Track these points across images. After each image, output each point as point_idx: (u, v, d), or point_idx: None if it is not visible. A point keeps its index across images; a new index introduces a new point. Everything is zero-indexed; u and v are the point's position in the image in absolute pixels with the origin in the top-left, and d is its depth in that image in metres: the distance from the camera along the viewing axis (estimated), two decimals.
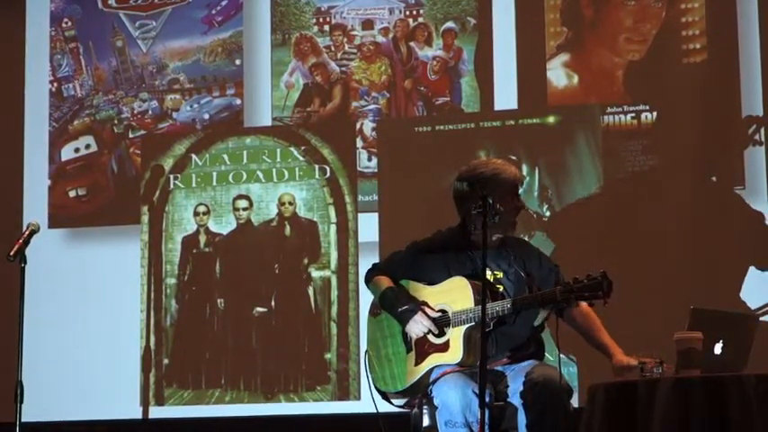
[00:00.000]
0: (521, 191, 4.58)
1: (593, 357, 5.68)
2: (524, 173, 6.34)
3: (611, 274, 4.21)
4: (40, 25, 7.11)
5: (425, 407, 4.43)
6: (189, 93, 7.00)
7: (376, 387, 4.58)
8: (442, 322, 4.44)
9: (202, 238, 6.87)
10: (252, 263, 6.80)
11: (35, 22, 7.12)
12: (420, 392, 4.46)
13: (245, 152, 6.88)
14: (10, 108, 7.05)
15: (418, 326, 4.44)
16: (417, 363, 4.48)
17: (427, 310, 4.46)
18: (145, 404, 6.70)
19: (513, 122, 6.63)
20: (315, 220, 6.78)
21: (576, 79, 6.60)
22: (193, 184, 6.91)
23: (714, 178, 6.32)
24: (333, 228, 6.74)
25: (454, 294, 4.43)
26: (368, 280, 4.66)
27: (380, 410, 4.59)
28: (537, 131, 6.58)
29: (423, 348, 4.47)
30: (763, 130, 6.27)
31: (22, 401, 4.78)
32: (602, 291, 4.15)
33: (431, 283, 4.53)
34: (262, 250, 6.80)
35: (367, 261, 6.40)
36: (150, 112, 7.03)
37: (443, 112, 6.74)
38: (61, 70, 7.09)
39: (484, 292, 4.13)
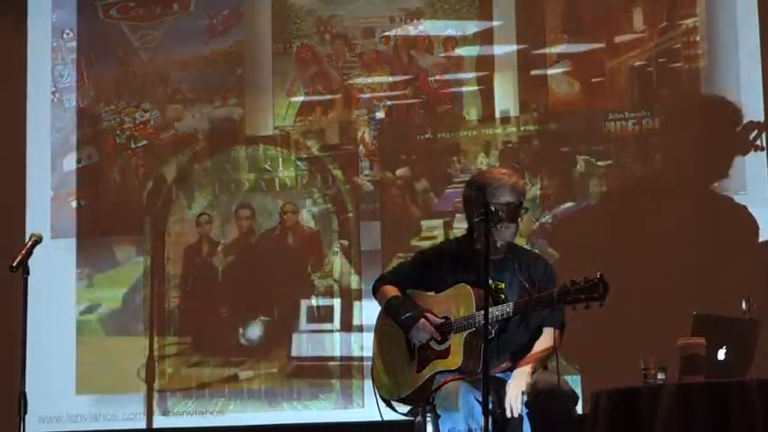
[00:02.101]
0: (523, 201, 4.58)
1: (596, 364, 5.69)
2: (526, 180, 6.33)
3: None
4: (41, 36, 7.12)
5: (429, 415, 4.44)
6: (191, 102, 7.01)
7: (380, 395, 4.60)
8: (445, 329, 4.46)
9: (205, 248, 6.87)
10: (254, 271, 6.80)
11: (36, 32, 7.12)
12: (423, 399, 4.47)
13: (247, 161, 6.88)
14: (12, 118, 7.05)
15: (421, 333, 4.47)
16: (419, 370, 4.51)
17: (430, 316, 4.48)
18: (149, 414, 6.69)
19: (514, 129, 6.63)
20: (317, 228, 6.78)
21: (577, 86, 6.60)
22: (196, 194, 6.92)
23: (716, 183, 6.32)
24: (335, 236, 6.74)
25: (457, 301, 4.46)
26: (375, 290, 4.70)
27: (385, 419, 4.59)
28: (538, 138, 6.58)
29: (425, 355, 4.50)
30: (764, 135, 6.27)
31: (26, 413, 4.77)
32: (597, 293, 4.16)
33: (437, 292, 4.55)
34: (264, 259, 6.80)
35: (368, 269, 6.45)
36: (152, 121, 7.03)
37: (445, 119, 6.74)
38: (63, 81, 7.10)
39: (486, 299, 4.14)
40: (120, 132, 7.04)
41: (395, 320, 4.54)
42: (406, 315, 4.49)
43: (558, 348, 4.44)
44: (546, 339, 4.46)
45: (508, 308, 4.35)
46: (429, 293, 4.58)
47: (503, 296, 4.46)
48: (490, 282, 4.44)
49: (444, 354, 4.44)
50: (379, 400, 4.61)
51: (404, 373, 4.55)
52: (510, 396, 4.30)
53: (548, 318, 4.45)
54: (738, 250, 6.18)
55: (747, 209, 6.24)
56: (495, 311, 4.34)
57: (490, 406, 4.12)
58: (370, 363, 4.71)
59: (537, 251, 4.86)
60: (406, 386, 4.54)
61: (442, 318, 4.48)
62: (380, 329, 4.69)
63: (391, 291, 4.60)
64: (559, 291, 4.25)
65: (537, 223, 6.44)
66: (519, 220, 4.57)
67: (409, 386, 4.53)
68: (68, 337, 6.82)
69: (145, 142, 7.02)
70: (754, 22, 6.32)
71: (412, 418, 4.58)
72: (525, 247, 4.81)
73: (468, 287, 4.42)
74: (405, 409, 4.61)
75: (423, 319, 4.46)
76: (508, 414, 4.28)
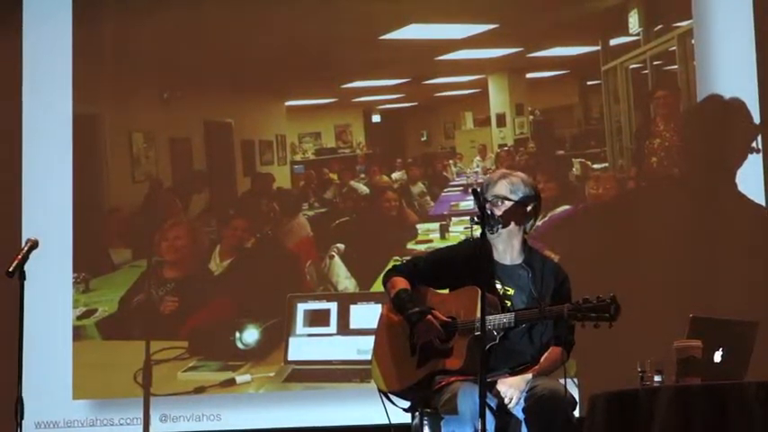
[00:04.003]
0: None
1: (593, 367, 5.70)
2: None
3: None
4: (37, 39, 7.11)
5: (426, 418, 4.43)
6: (187, 105, 7.01)
7: (377, 386, 4.60)
8: (450, 329, 4.46)
9: (201, 252, 6.88)
10: (251, 275, 6.80)
11: (32, 35, 7.11)
12: (420, 396, 4.47)
13: (243, 165, 6.90)
14: (7, 122, 7.05)
15: (425, 330, 4.46)
16: (419, 366, 4.51)
17: (436, 314, 4.47)
18: (145, 419, 6.68)
19: (510, 132, 6.65)
20: (313, 232, 6.79)
21: (572, 89, 6.62)
22: (192, 198, 6.93)
23: (712, 186, 6.33)
24: (331, 239, 6.75)
25: (465, 303, 4.45)
26: (386, 279, 4.67)
27: (389, 422, 4.60)
28: (534, 141, 6.61)
29: (427, 352, 4.50)
30: (759, 138, 6.28)
31: (22, 418, 4.77)
32: (609, 314, 4.16)
33: (450, 290, 4.56)
34: (261, 263, 6.81)
35: (365, 273, 6.46)
36: (148, 125, 7.04)
37: (440, 122, 6.77)
38: (59, 84, 7.08)
39: (483, 304, 4.14)
40: (116, 136, 7.04)
41: (401, 314, 4.54)
42: (413, 310, 4.48)
43: (564, 364, 4.43)
44: (551, 355, 4.46)
45: (513, 317, 4.35)
46: (439, 291, 4.60)
47: (508, 303, 4.47)
48: (498, 287, 4.47)
49: (446, 354, 4.44)
50: (383, 398, 4.60)
51: (403, 366, 4.55)
52: (503, 387, 4.29)
53: (557, 336, 4.45)
54: (736, 251, 6.19)
55: (748, 198, 6.24)
56: (502, 319, 4.34)
57: (494, 407, 4.15)
58: (367, 366, 4.70)
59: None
60: (404, 380, 4.54)
61: (448, 317, 4.48)
62: (385, 321, 4.68)
63: (401, 283, 4.59)
64: (570, 308, 4.24)
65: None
66: (518, 212, 4.54)
67: (407, 380, 4.53)
68: (65, 342, 6.81)
69: (141, 146, 7.02)
70: (749, 24, 6.33)
71: (408, 422, 4.57)
72: (545, 256, 4.76)
73: (478, 290, 4.41)
74: (405, 404, 4.60)
75: (428, 317, 4.46)
76: (506, 401, 4.27)
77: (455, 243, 4.77)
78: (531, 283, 4.48)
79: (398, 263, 4.82)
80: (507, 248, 4.55)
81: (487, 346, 4.22)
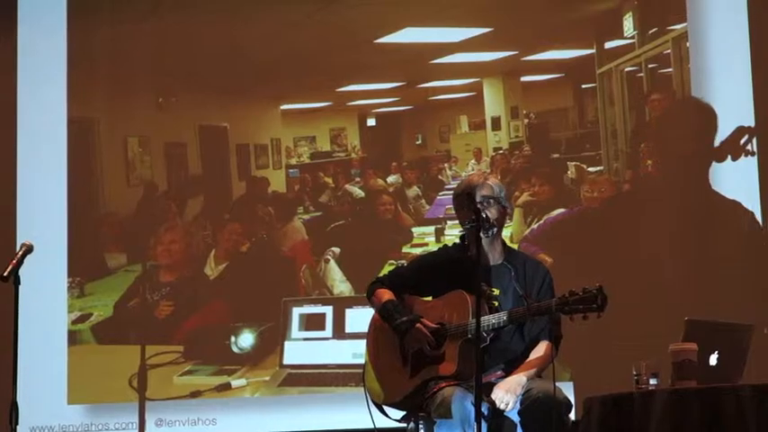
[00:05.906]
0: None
1: (589, 370, 5.70)
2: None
3: (605, 285, 4.22)
4: (31, 42, 7.10)
5: (421, 422, 4.43)
6: (182, 109, 7.02)
7: (372, 400, 4.59)
8: (440, 335, 4.45)
9: (196, 256, 6.87)
10: (246, 279, 6.80)
11: (27, 38, 7.11)
12: (415, 405, 4.46)
13: (238, 169, 6.90)
14: (2, 126, 7.04)
15: (415, 338, 4.45)
16: (413, 375, 4.50)
17: (425, 322, 4.47)
18: (141, 423, 6.68)
19: (505, 136, 6.65)
20: (308, 235, 6.79)
21: (567, 92, 6.62)
22: (187, 202, 6.93)
23: (707, 188, 6.34)
24: (327, 243, 6.75)
25: (453, 307, 4.44)
26: (369, 293, 4.67)
27: (376, 426, 4.59)
28: (529, 145, 6.61)
29: (418, 361, 4.48)
30: (754, 140, 6.29)
31: (17, 423, 4.76)
32: (596, 304, 4.15)
33: (434, 297, 4.55)
34: (256, 267, 6.81)
35: (360, 276, 6.45)
36: (143, 128, 7.04)
37: (435, 126, 6.76)
38: (54, 88, 7.07)
39: (478, 305, 4.14)
40: (111, 140, 7.04)
41: (389, 324, 4.52)
42: (401, 320, 4.47)
43: (553, 360, 4.42)
44: (541, 350, 4.45)
45: (504, 316, 4.34)
46: (425, 299, 4.58)
47: (496, 303, 4.46)
48: (484, 288, 4.45)
49: (439, 360, 4.43)
50: (371, 406, 4.59)
51: (396, 378, 4.54)
52: (499, 393, 4.28)
53: (544, 330, 4.45)
54: (732, 254, 6.19)
55: (743, 205, 6.25)
56: (491, 319, 4.33)
57: (486, 412, 4.13)
58: (362, 370, 4.69)
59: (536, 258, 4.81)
60: (398, 391, 4.53)
61: (437, 323, 4.47)
62: (373, 333, 4.67)
63: (386, 294, 4.58)
64: (558, 301, 4.23)
65: (528, 229, 6.45)
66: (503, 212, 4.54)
67: (401, 392, 4.51)
68: (60, 347, 6.80)
69: (136, 150, 7.02)
70: (743, 26, 6.34)
71: (405, 425, 4.57)
72: (524, 253, 4.77)
73: (465, 294, 4.41)
74: (398, 414, 4.60)
75: (418, 325, 4.45)
76: (501, 407, 4.26)
77: (436, 249, 4.75)
78: (514, 281, 4.48)
79: (381, 275, 4.80)
80: (491, 250, 4.55)
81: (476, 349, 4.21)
